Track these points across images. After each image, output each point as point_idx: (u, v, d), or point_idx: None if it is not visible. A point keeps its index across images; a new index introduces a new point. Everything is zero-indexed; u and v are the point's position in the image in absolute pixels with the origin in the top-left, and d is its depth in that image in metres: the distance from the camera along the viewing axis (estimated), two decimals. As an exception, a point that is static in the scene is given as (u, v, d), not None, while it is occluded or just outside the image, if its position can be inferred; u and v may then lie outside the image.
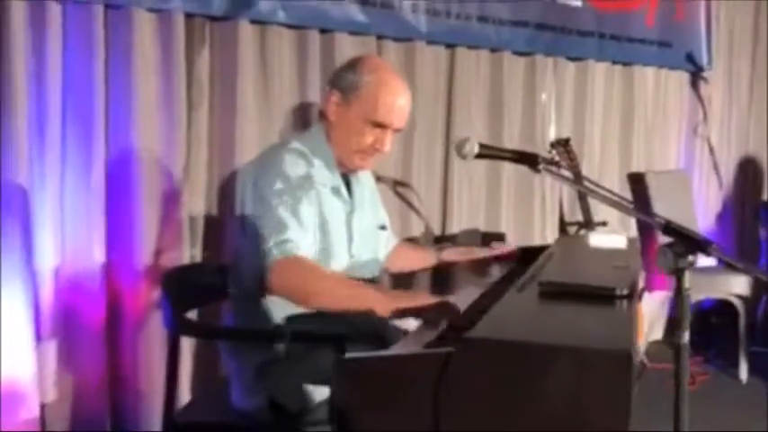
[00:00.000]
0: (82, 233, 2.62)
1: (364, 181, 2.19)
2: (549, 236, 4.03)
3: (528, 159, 1.84)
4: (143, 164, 2.70)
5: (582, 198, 3.81)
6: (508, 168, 3.82)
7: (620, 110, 4.40)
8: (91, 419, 2.66)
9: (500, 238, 3.75)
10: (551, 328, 1.29)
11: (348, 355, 1.30)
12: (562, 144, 3.84)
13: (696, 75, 4.79)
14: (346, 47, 3.17)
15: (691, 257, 1.45)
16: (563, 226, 4.17)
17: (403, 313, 1.74)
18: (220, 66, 2.90)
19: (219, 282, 2.16)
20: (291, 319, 1.92)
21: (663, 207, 4.30)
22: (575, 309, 1.40)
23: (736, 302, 3.92)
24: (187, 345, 2.81)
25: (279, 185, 1.88)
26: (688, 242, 1.46)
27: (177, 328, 1.93)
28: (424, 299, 1.75)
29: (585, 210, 3.83)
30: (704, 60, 4.71)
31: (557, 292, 1.51)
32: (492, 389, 1.15)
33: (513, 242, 3.76)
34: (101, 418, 2.69)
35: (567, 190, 4.18)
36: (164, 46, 2.72)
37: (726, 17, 4.92)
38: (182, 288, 2.02)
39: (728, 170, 5.13)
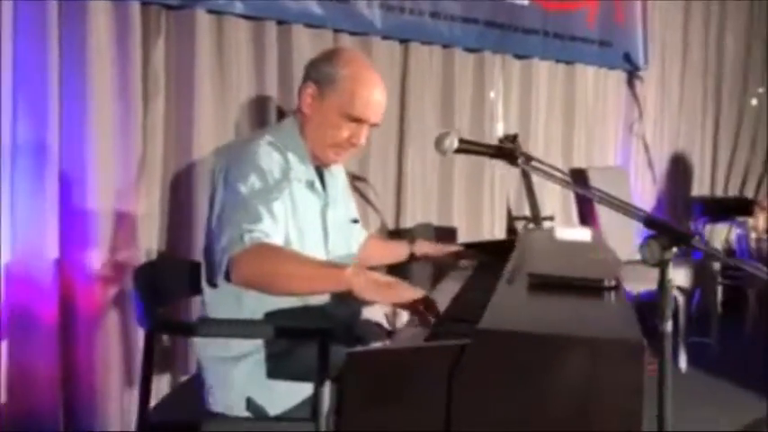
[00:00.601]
0: (34, 228, 2.52)
1: (336, 174, 2.18)
2: (498, 230, 4.09)
3: (506, 154, 1.87)
4: (98, 157, 2.61)
5: (530, 193, 3.89)
6: (459, 164, 3.87)
7: (563, 107, 4.50)
8: (43, 419, 2.57)
9: (452, 232, 3.81)
10: (558, 319, 1.31)
11: (359, 348, 1.29)
12: (510, 140, 3.91)
13: (632, 74, 4.94)
14: (303, 40, 3.15)
15: (674, 249, 1.51)
16: (510, 220, 4.25)
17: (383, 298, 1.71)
18: (176, 56, 2.83)
19: (190, 277, 2.12)
20: (270, 315, 1.91)
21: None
22: (569, 300, 1.43)
23: (676, 294, 4.06)
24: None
25: (253, 179, 1.85)
26: (671, 234, 1.51)
27: (153, 324, 1.87)
28: (402, 287, 1.68)
29: (533, 204, 3.92)
30: (641, 60, 4.87)
31: (545, 284, 1.54)
32: (506, 380, 1.16)
33: (463, 236, 3.85)
34: (54, 418, 2.59)
35: (514, 185, 4.25)
36: (119, 35, 2.64)
37: (659, 20, 5.09)
38: (154, 284, 1.97)
39: (661, 166, 5.31)
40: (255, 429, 1.89)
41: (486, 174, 3.99)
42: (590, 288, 1.51)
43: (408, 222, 3.63)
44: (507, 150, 1.88)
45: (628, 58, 4.80)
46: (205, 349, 1.96)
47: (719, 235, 5.71)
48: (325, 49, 2.12)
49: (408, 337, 1.50)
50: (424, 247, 2.38)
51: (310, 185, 2.00)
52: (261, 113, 3.06)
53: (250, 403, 1.90)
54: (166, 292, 2.08)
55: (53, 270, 2.56)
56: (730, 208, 5.17)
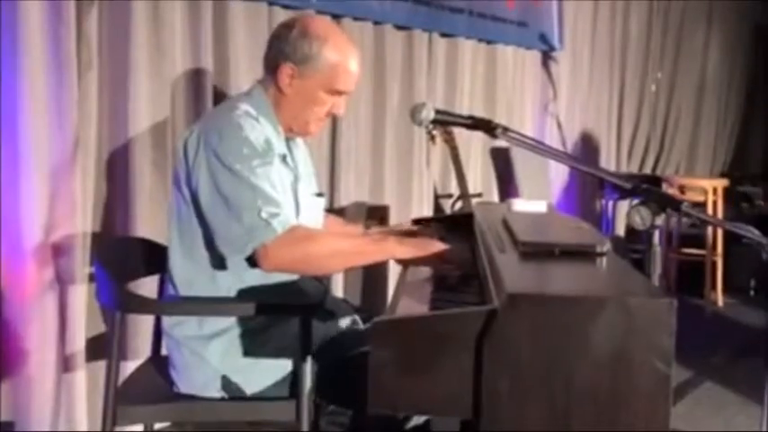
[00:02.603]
0: (-36, 208, 2.35)
1: (300, 145, 2.13)
2: (426, 208, 4.13)
3: (483, 126, 1.87)
4: (32, 133, 2.45)
5: (459, 171, 3.94)
6: (390, 144, 3.87)
7: (485, 86, 4.57)
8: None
9: (384, 210, 3.80)
10: (580, 281, 1.33)
11: (386, 316, 1.27)
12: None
13: (547, 55, 5.07)
14: (238, 13, 3.06)
15: (663, 215, 1.56)
16: (436, 198, 4.29)
17: (422, 259, 1.83)
18: (110, 26, 2.69)
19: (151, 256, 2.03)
20: (244, 292, 1.85)
21: (525, 178, 4.56)
22: (570, 265, 1.45)
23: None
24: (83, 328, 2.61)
25: (246, 154, 1.78)
26: (661, 200, 1.56)
27: (122, 304, 1.77)
28: (433, 243, 1.85)
29: (462, 182, 3.97)
30: (555, 41, 5.00)
31: (536, 252, 1.56)
32: (537, 343, 1.17)
33: (395, 214, 3.86)
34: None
35: (439, 164, 4.29)
36: (52, 5, 2.48)
37: (572, 4, 5.24)
38: (120, 262, 1.87)
39: (573, 145, 5.49)
40: (234, 411, 1.83)
41: (415, 152, 4.01)
42: (583, 254, 1.54)
43: (342, 201, 3.61)
44: (483, 122, 1.88)
45: (544, 38, 4.92)
46: (176, 328, 1.88)
47: (621, 211, 5.97)
48: (288, 20, 2.03)
49: (411, 299, 1.48)
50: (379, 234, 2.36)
51: (283, 159, 1.95)
52: (197, 88, 2.95)
53: (225, 382, 1.83)
54: (126, 270, 1.97)
55: (-17, 253, 2.40)
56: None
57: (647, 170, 6.58)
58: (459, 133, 4.27)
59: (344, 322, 2.03)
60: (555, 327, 1.17)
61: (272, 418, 1.82)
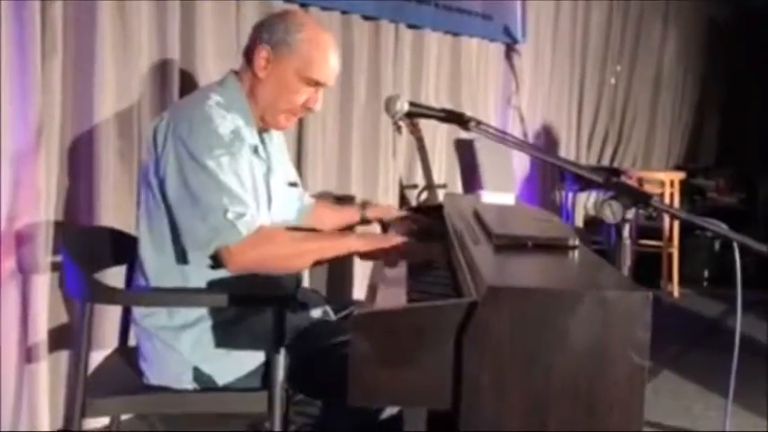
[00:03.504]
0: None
1: (274, 136, 2.12)
2: (392, 198, 4.14)
3: (456, 118, 1.89)
4: (-6, 118, 2.40)
5: (424, 162, 3.96)
6: (357, 134, 3.88)
7: (449, 78, 4.60)
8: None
9: (351, 200, 3.81)
10: (557, 275, 1.35)
11: (365, 309, 1.27)
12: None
13: (510, 48, 5.12)
14: (206, 2, 3.03)
15: (634, 210, 1.60)
16: (402, 189, 4.31)
17: (386, 253, 1.83)
18: (75, 11, 2.64)
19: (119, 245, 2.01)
20: (215, 283, 1.84)
21: (488, 170, 4.60)
22: (544, 259, 1.48)
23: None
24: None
25: (217, 150, 1.77)
26: (632, 195, 1.60)
27: (90, 294, 1.75)
28: (393, 237, 1.87)
29: (428, 173, 4.00)
30: (519, 34, 5.05)
31: (510, 245, 1.58)
32: (517, 336, 1.19)
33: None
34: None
35: (405, 154, 4.30)
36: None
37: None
38: (88, 251, 1.85)
39: (534, 137, 5.55)
40: (206, 402, 1.82)
41: (381, 143, 4.02)
42: (555, 247, 1.56)
43: (309, 191, 3.58)
44: (456, 115, 1.89)
45: (507, 31, 4.96)
46: (146, 319, 1.86)
47: (580, 202, 6.07)
48: (274, 12, 2.02)
49: (388, 297, 1.49)
50: (376, 212, 2.37)
51: (255, 150, 1.93)
52: (163, 77, 2.91)
53: (197, 373, 1.82)
54: (93, 260, 1.95)
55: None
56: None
57: (605, 162, 6.69)
58: (426, 125, 4.30)
59: (316, 313, 2.04)
60: (534, 319, 1.19)
61: (244, 410, 1.81)
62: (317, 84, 1.93)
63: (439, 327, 1.21)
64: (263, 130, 2.02)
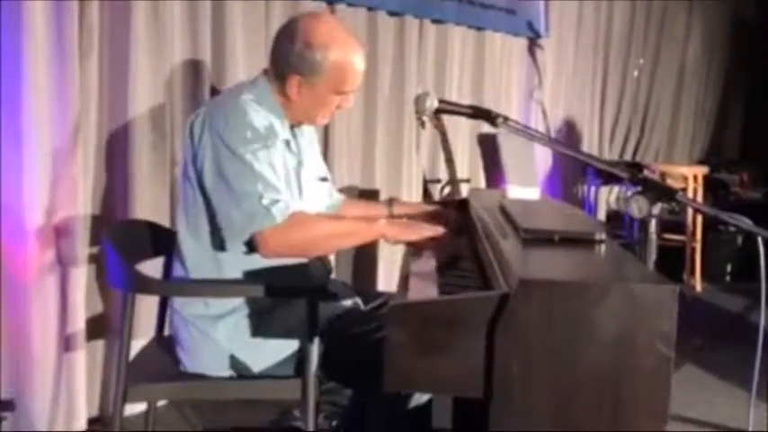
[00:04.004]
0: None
1: (306, 131, 2.18)
2: (415, 193, 4.19)
3: (484, 115, 1.94)
4: (34, 116, 2.48)
5: (448, 157, 4.00)
6: (381, 130, 3.93)
7: (473, 73, 4.63)
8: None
9: (375, 195, 3.87)
10: (587, 268, 1.40)
11: (401, 300, 1.33)
12: (428, 104, 4.00)
13: (534, 42, 5.14)
14: (236, 2, 3.09)
15: (660, 204, 1.64)
16: (425, 184, 4.35)
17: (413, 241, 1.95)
18: (111, 10, 2.71)
19: (156, 238, 2.08)
20: (250, 273, 1.91)
21: (511, 164, 4.63)
22: (572, 252, 1.53)
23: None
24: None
25: (253, 141, 1.84)
26: (658, 190, 1.64)
27: (132, 284, 1.82)
28: (423, 226, 1.97)
29: (451, 168, 4.03)
30: (542, 28, 5.07)
31: (538, 239, 1.63)
32: (546, 327, 1.25)
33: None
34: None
35: (428, 149, 4.35)
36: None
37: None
38: (128, 244, 1.92)
39: (556, 132, 5.57)
40: (242, 389, 1.89)
41: (405, 138, 4.07)
42: (582, 240, 1.61)
43: (334, 185, 3.65)
44: (484, 111, 1.94)
45: (530, 26, 4.99)
46: (184, 308, 1.93)
47: (602, 197, 6.09)
48: (289, 26, 2.01)
49: (420, 288, 1.54)
50: (403, 208, 2.41)
51: (287, 144, 2.00)
52: (194, 73, 2.98)
53: (233, 361, 1.89)
54: (133, 252, 2.02)
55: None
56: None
57: (628, 156, 6.69)
58: (449, 119, 4.34)
59: (347, 303, 2.10)
60: (563, 311, 1.24)
61: (278, 397, 1.88)
62: (350, 92, 2.01)
63: (471, 318, 1.26)
64: (294, 125, 2.08)
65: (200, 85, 2.99)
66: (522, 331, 1.24)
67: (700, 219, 5.17)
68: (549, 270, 1.42)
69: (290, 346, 1.91)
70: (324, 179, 2.24)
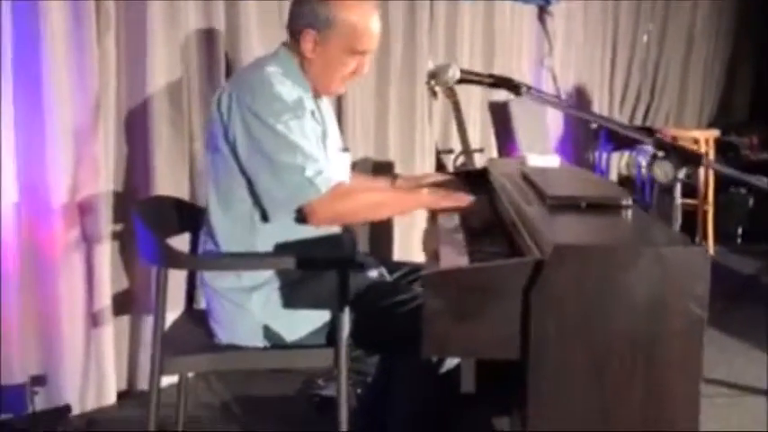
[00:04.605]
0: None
1: (325, 102, 2.20)
2: (428, 163, 4.21)
3: (506, 84, 1.96)
4: (53, 93, 2.50)
5: (461, 127, 4.01)
6: (393, 101, 3.93)
7: (483, 42, 4.62)
8: (5, 365, 2.48)
9: (390, 166, 3.89)
10: (617, 232, 1.43)
11: (436, 268, 1.36)
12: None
13: (543, 9, 5.12)
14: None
15: (686, 169, 1.66)
16: (438, 155, 4.37)
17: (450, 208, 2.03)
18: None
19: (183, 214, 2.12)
20: (283, 245, 1.94)
21: (523, 132, 4.64)
22: (600, 218, 1.55)
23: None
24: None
25: (279, 109, 1.87)
26: (682, 155, 1.66)
27: (166, 259, 1.86)
28: (459, 194, 2.06)
29: (464, 138, 4.05)
30: (551, -4, 5.05)
31: (564, 205, 1.65)
32: (581, 291, 1.28)
33: (399, 170, 3.94)
34: (16, 363, 2.51)
35: (440, 120, 4.36)
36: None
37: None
38: (158, 220, 1.96)
39: (567, 97, 5.56)
40: (277, 359, 1.94)
41: (417, 109, 4.07)
42: (608, 206, 1.64)
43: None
44: (506, 80, 1.96)
45: (540, -7, 4.97)
46: (216, 280, 1.97)
47: (614, 162, 6.10)
48: None
49: (450, 256, 1.57)
50: (406, 184, 2.44)
51: (311, 114, 2.02)
52: (209, 48, 2.99)
53: (267, 331, 1.93)
54: (163, 228, 2.05)
55: (12, 214, 2.47)
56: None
57: (638, 121, 6.67)
58: (459, 89, 4.34)
59: (373, 274, 2.13)
60: (597, 275, 1.27)
61: (311, 365, 1.92)
62: (363, 53, 2.01)
63: (506, 284, 1.30)
64: (316, 97, 2.10)
65: (215, 58, 3.00)
66: (556, 296, 1.27)
67: (711, 182, 5.17)
68: (581, 236, 1.45)
69: (321, 316, 1.94)
70: (345, 149, 2.26)
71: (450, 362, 1.90)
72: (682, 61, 7.19)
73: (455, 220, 1.99)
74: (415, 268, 2.25)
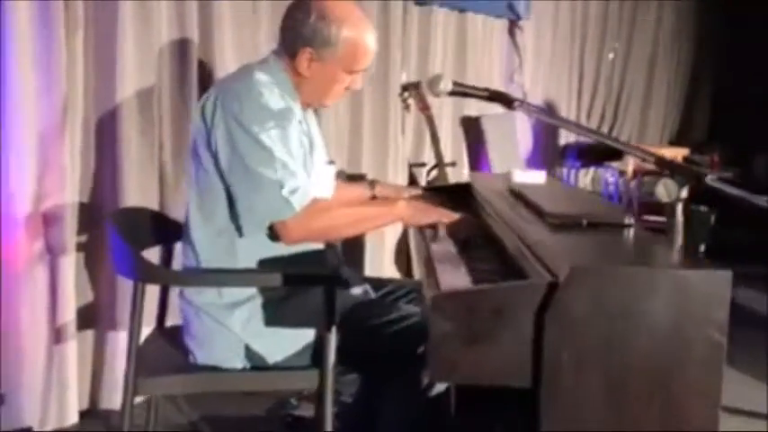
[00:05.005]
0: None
1: (312, 115, 2.12)
2: (401, 176, 4.15)
3: (500, 97, 1.90)
4: (18, 97, 2.37)
5: (434, 140, 3.96)
6: (367, 113, 3.87)
7: (455, 55, 4.59)
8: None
9: (362, 178, 3.81)
10: (630, 254, 1.37)
11: (445, 289, 1.28)
12: (414, 87, 3.96)
13: (514, 24, 5.11)
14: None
15: (688, 187, 1.61)
16: (410, 167, 4.31)
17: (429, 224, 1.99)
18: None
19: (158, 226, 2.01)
20: (265, 261, 1.85)
21: (495, 147, 4.61)
22: (605, 237, 1.50)
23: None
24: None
25: (265, 119, 1.79)
26: (686, 174, 1.61)
27: (143, 274, 1.75)
28: (440, 210, 2.00)
29: (438, 151, 3.99)
30: (522, 10, 5.04)
31: (564, 224, 1.60)
32: (597, 315, 1.21)
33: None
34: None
35: (412, 133, 4.30)
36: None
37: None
38: (134, 231, 1.85)
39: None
40: (258, 381, 1.84)
41: (391, 121, 4.02)
42: (611, 225, 1.59)
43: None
44: (500, 94, 1.90)
45: (511, 7, 4.95)
46: (195, 296, 1.87)
47: (581, 179, 6.12)
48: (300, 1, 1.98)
49: (451, 276, 1.50)
50: (385, 190, 2.41)
51: (299, 124, 1.94)
52: (182, 55, 2.88)
53: (248, 351, 1.84)
54: (138, 240, 1.94)
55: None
56: (602, 154, 5.53)
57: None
58: (431, 102, 4.30)
59: (357, 291, 2.05)
60: (615, 298, 1.21)
61: (294, 388, 1.83)
62: (361, 71, 1.96)
63: (518, 306, 1.23)
64: (303, 108, 2.03)
65: (188, 64, 2.89)
66: (572, 319, 1.21)
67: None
68: (596, 257, 1.39)
69: (306, 335, 1.86)
70: (331, 162, 2.19)
71: (440, 385, 1.83)
72: (645, 80, 7.28)
73: (442, 235, 1.93)
74: (399, 286, 2.18)
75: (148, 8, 2.73)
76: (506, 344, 1.23)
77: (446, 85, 1.90)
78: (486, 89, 1.95)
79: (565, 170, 5.63)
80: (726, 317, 1.20)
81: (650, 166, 5.19)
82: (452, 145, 4.69)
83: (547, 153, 5.72)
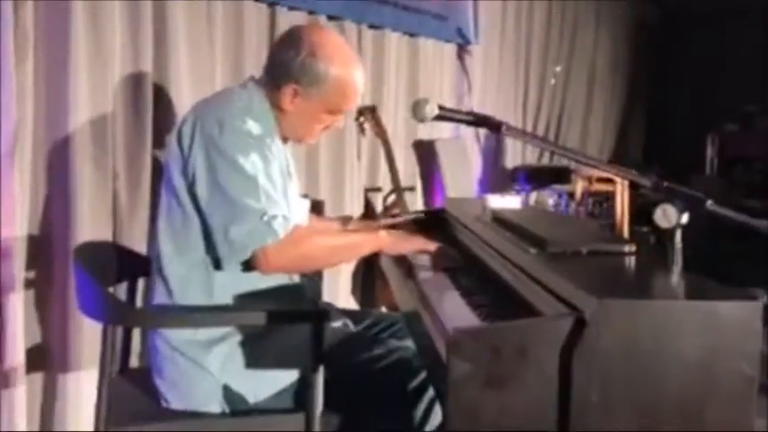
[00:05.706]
0: None
1: (286, 147, 2.03)
2: (357, 202, 4.07)
3: (486, 122, 1.85)
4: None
5: (391, 165, 3.89)
6: (323, 138, 3.76)
7: (408, 78, 4.55)
8: None
9: (320, 205, 3.71)
10: (652, 284, 1.32)
11: (461, 327, 1.20)
12: (369, 111, 3.89)
13: (463, 48, 5.11)
14: (178, 8, 2.89)
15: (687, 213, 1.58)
16: (365, 192, 4.23)
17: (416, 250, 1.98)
18: (47, 15, 2.46)
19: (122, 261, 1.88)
20: (242, 296, 1.74)
21: (450, 171, 4.58)
22: (611, 266, 1.45)
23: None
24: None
25: (247, 146, 1.71)
26: (685, 199, 1.58)
27: (116, 316, 1.62)
28: (420, 239, 1.99)
29: (395, 176, 3.92)
30: (471, 35, 5.04)
31: (563, 252, 1.54)
32: (627, 351, 1.16)
33: (330, 209, 3.78)
34: None
35: (367, 157, 4.23)
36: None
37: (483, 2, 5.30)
38: (98, 268, 1.72)
39: (485, 137, 5.57)
40: (239, 426, 1.72)
41: (347, 146, 3.94)
42: (612, 254, 1.54)
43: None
44: (485, 118, 1.86)
45: (460, 32, 4.95)
46: (170, 333, 1.74)
47: (531, 202, 6.14)
48: (293, 34, 1.88)
49: (453, 312, 1.42)
50: (355, 226, 2.35)
51: (279, 153, 1.85)
52: (136, 81, 2.75)
53: (227, 393, 1.72)
54: (103, 277, 1.81)
55: None
56: (551, 176, 5.57)
57: (545, 161, 6.78)
58: (386, 124, 4.25)
59: (337, 324, 1.97)
60: (645, 332, 1.16)
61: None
62: (345, 111, 1.91)
63: (543, 343, 1.16)
64: (282, 140, 1.95)
65: (142, 93, 2.76)
66: (601, 356, 1.15)
67: (626, 220, 5.27)
68: (622, 290, 1.33)
69: (289, 375, 1.76)
70: (305, 196, 2.11)
71: (432, 424, 1.75)
72: (584, 103, 7.40)
73: (428, 264, 1.86)
74: (379, 318, 2.10)
75: (101, 35, 2.60)
76: (531, 384, 1.16)
77: (432, 110, 1.85)
78: (471, 113, 1.91)
79: (514, 193, 5.63)
80: (758, 349, 1.16)
81: (599, 187, 5.22)
82: (405, 169, 4.63)
83: (496, 176, 5.73)
